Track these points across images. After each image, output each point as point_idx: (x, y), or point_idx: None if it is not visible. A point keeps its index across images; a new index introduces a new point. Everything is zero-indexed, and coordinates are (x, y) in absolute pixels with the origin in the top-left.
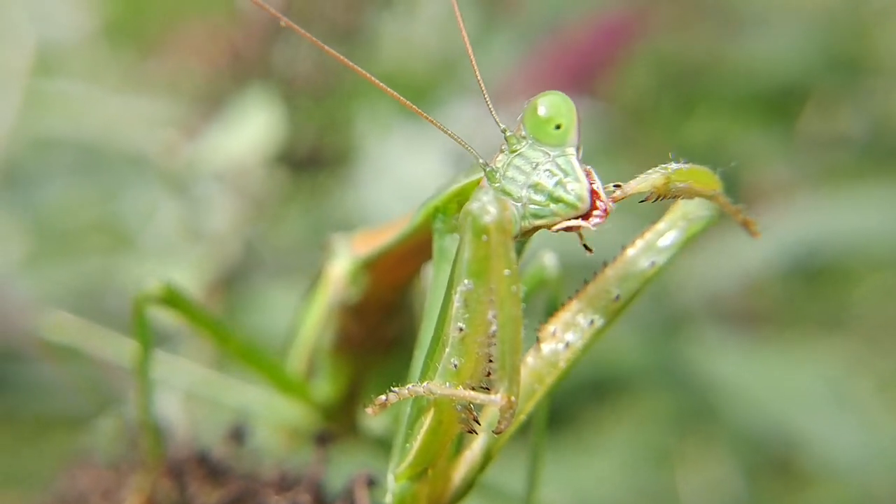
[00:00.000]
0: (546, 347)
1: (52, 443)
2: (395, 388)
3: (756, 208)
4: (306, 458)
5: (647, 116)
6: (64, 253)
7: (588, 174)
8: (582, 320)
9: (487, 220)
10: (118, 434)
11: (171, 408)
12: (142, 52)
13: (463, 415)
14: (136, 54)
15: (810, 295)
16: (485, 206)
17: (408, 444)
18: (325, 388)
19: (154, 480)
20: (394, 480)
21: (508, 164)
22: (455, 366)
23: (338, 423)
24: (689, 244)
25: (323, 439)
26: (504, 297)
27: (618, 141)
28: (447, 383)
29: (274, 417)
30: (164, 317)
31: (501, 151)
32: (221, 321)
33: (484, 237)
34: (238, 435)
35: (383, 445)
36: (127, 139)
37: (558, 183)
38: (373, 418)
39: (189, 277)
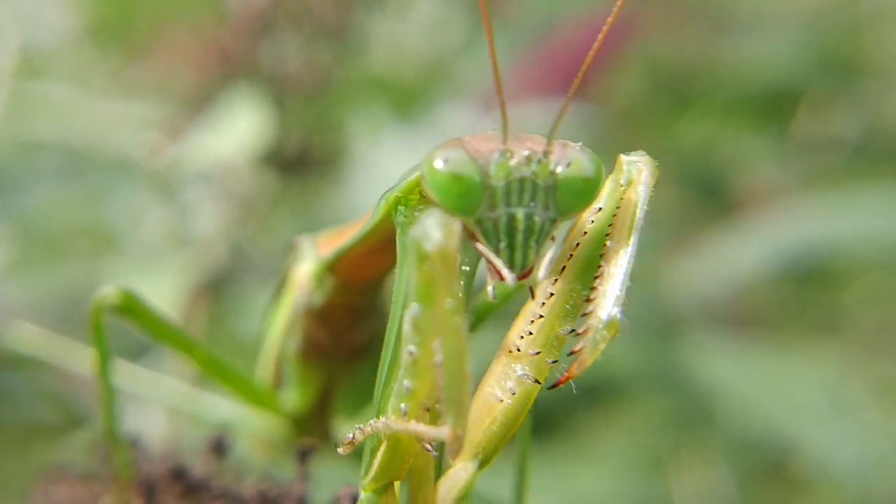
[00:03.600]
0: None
1: (36, 452)
2: (360, 425)
3: (748, 210)
4: (285, 471)
5: (640, 119)
6: (50, 258)
7: None
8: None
9: (429, 248)
10: (92, 448)
11: (153, 422)
12: (129, 54)
13: (418, 442)
14: (122, 56)
15: (804, 298)
16: (427, 231)
17: (373, 459)
18: (294, 397)
19: (127, 497)
20: (361, 491)
21: None
22: (407, 389)
23: (310, 433)
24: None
25: (304, 454)
26: (447, 330)
27: (610, 143)
28: (402, 405)
29: (246, 429)
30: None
31: None
32: (183, 330)
33: (427, 264)
34: (218, 448)
35: (360, 455)
36: (113, 142)
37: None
38: (346, 425)
39: (175, 281)
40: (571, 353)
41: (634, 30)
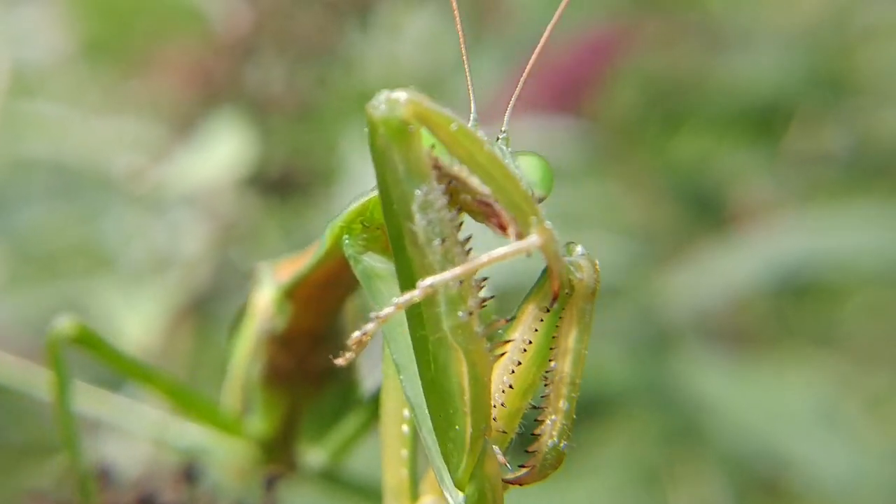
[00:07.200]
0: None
1: (21, 477)
2: (375, 313)
3: (742, 225)
4: (256, 498)
5: (634, 134)
6: (41, 277)
7: None
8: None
9: (404, 105)
10: (66, 473)
11: (133, 448)
12: (122, 72)
13: (486, 337)
14: (116, 75)
15: (798, 312)
16: (387, 99)
17: (455, 428)
18: (260, 423)
19: None
20: (458, 494)
21: None
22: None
23: (276, 460)
24: None
25: (271, 482)
26: (472, 147)
27: (604, 159)
28: (460, 312)
29: (215, 455)
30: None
31: None
32: (142, 361)
33: (412, 128)
34: (189, 475)
35: (325, 480)
36: (106, 161)
37: None
38: (314, 454)
39: (160, 302)
40: (522, 467)
41: (628, 45)
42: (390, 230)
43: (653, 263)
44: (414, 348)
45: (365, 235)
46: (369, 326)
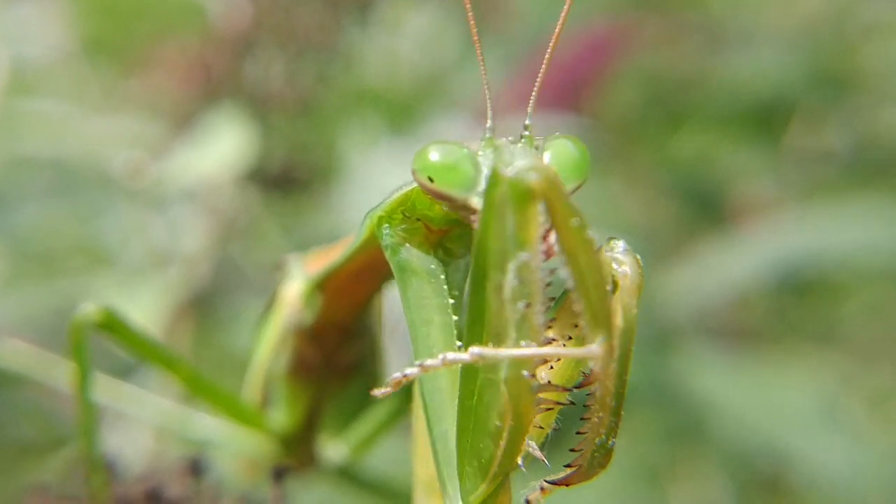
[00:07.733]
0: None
1: (24, 471)
2: (420, 362)
3: (743, 222)
4: (266, 493)
5: (635, 133)
6: (42, 274)
7: None
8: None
9: (535, 180)
10: (72, 467)
11: (140, 440)
12: (122, 70)
13: (538, 393)
14: (116, 72)
15: (800, 310)
16: (523, 167)
17: (480, 459)
18: (282, 417)
19: None
20: None
21: None
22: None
23: (296, 454)
24: None
25: (279, 474)
26: (579, 246)
27: (605, 157)
28: (524, 370)
29: (232, 447)
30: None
31: None
32: (166, 347)
33: (534, 201)
34: (195, 469)
35: (344, 477)
36: (105, 159)
37: None
38: (334, 448)
39: (160, 298)
40: (568, 466)
41: (628, 44)
42: (476, 266)
43: (654, 261)
44: (461, 371)
45: (405, 226)
46: (411, 371)
